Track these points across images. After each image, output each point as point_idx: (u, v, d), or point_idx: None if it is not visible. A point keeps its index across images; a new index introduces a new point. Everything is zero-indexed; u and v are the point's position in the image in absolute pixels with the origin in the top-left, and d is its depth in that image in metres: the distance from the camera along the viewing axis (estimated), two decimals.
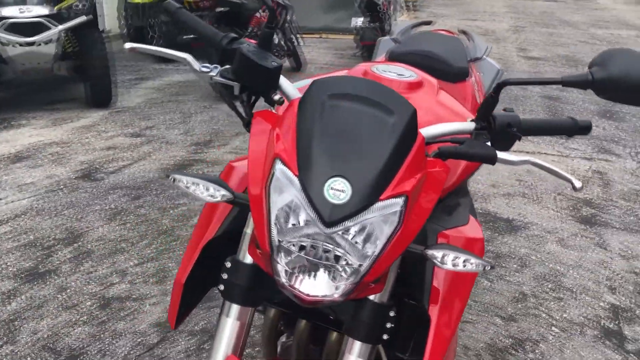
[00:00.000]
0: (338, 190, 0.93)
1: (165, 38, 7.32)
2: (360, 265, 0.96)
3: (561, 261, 2.86)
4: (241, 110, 1.19)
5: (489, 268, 1.04)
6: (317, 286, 0.98)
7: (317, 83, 1.03)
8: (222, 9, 5.49)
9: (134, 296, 2.62)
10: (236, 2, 5.61)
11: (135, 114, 5.36)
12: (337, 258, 0.95)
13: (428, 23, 2.56)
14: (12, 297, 2.58)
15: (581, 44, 8.64)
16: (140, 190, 3.71)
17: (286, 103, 1.18)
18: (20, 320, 2.43)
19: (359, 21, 8.87)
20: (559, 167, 1.13)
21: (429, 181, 1.02)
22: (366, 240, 0.95)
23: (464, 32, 2.45)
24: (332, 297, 0.98)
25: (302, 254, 0.96)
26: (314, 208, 0.93)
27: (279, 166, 0.97)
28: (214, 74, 1.15)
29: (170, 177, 1.08)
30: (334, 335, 1.36)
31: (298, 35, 6.93)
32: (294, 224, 0.95)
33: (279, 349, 1.52)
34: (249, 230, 1.15)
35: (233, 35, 1.19)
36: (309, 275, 0.98)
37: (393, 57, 1.92)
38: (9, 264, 2.84)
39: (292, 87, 1.16)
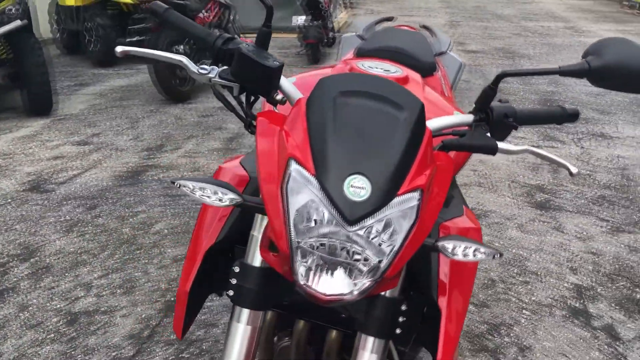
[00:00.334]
0: (358, 188, 0.92)
1: (104, 42, 7.09)
2: (380, 262, 0.95)
3: (523, 246, 2.96)
4: (239, 110, 1.16)
5: (499, 256, 1.06)
6: (336, 285, 0.97)
7: (325, 81, 1.02)
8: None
9: (102, 309, 2.53)
10: (179, 3, 5.48)
11: (79, 121, 5.17)
12: (357, 256, 0.95)
13: (390, 19, 2.58)
14: None
15: (515, 36, 8.96)
16: (95, 200, 3.58)
17: (287, 103, 1.16)
18: None
19: (300, 19, 8.88)
20: (555, 155, 1.17)
21: (439, 174, 1.04)
22: (386, 236, 0.95)
23: (425, 28, 2.49)
24: (351, 296, 0.97)
25: (321, 253, 0.95)
26: (335, 206, 0.92)
27: (294, 166, 0.95)
28: (213, 76, 1.12)
29: (175, 183, 1.04)
30: (333, 333, 1.36)
31: (241, 35, 6.86)
32: (312, 224, 0.94)
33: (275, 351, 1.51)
34: (256, 233, 1.13)
35: (228, 35, 1.16)
36: (328, 275, 0.97)
37: (362, 54, 1.93)
38: None
39: (292, 87, 1.15)
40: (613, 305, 2.49)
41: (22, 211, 3.40)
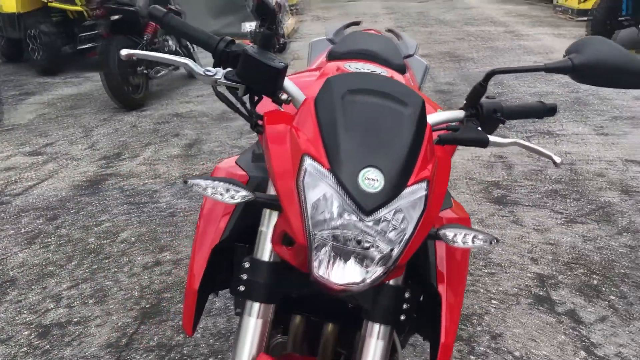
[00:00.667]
0: (372, 180, 0.98)
1: (48, 49, 6.91)
2: (391, 250, 1.01)
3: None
4: (243, 110, 1.19)
5: (496, 242, 1.14)
6: (350, 274, 1.01)
7: (332, 81, 1.07)
8: (115, 17, 5.27)
9: (75, 320, 2.48)
10: (130, 10, 5.41)
11: (29, 131, 5.02)
12: (368, 245, 1.00)
13: (357, 24, 2.65)
14: None
15: (458, 40, 9.25)
16: (55, 210, 3.50)
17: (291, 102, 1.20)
18: None
19: (250, 26, 8.90)
20: (540, 147, 1.26)
21: (439, 166, 1.10)
22: (399, 225, 1.00)
23: (391, 31, 2.58)
24: (363, 284, 1.02)
25: (336, 243, 1.00)
26: (351, 198, 0.97)
27: (309, 162, 0.99)
28: (219, 77, 1.15)
29: (188, 182, 1.07)
30: (330, 327, 1.40)
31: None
32: (328, 216, 0.99)
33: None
34: (264, 228, 1.16)
35: (229, 38, 1.19)
36: (342, 265, 1.02)
37: (335, 56, 1.98)
38: None
39: (295, 87, 1.19)
40: (574, 291, 2.63)
41: None
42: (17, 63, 7.65)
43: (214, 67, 1.20)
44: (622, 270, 2.79)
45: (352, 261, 1.02)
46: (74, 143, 4.71)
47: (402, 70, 2.05)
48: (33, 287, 2.72)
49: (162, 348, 2.30)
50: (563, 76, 5.96)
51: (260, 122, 1.18)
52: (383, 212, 0.98)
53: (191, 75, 6.92)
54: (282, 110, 1.19)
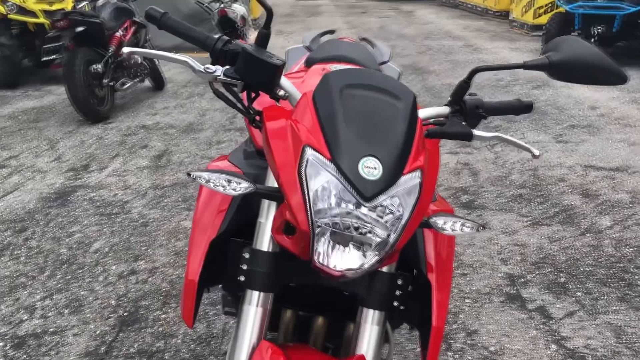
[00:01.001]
0: (371, 168, 1.03)
1: (7, 62, 6.77)
2: (388, 236, 1.06)
3: (457, 242, 3.17)
4: (240, 107, 1.23)
5: (482, 229, 1.21)
6: (349, 260, 1.06)
7: (329, 76, 1.12)
8: (80, 28, 5.22)
9: (50, 330, 2.45)
10: (94, 22, 5.37)
11: None
12: (368, 233, 1.05)
13: (332, 32, 2.72)
14: None
15: (420, 54, 9.47)
16: (23, 223, 3.44)
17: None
18: None
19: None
20: (520, 141, 1.34)
21: (430, 158, 1.16)
22: (396, 211, 1.05)
23: (365, 40, 2.66)
24: (361, 270, 1.07)
25: (337, 230, 1.04)
26: (352, 186, 1.01)
27: (310, 152, 1.04)
28: (219, 74, 1.19)
29: (191, 175, 1.10)
30: (319, 321, 1.44)
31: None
32: (328, 204, 1.04)
33: None
34: (263, 220, 1.19)
35: (226, 38, 1.24)
36: (341, 251, 1.06)
37: (313, 62, 2.03)
38: None
39: (290, 84, 1.24)
40: (542, 289, 2.74)
41: None
42: None
43: (212, 65, 1.23)
44: (586, 269, 2.91)
45: (351, 247, 1.06)
46: (39, 155, 4.63)
47: None
48: (5, 298, 2.67)
49: (142, 354, 2.29)
50: (522, 88, 6.16)
51: (257, 117, 1.22)
52: (381, 198, 1.03)
53: (157, 87, 6.90)
54: (279, 105, 1.24)
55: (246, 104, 1.23)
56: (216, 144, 4.89)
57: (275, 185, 1.17)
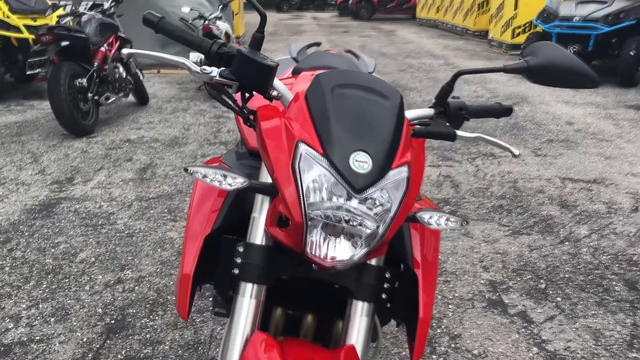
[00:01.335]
0: (361, 162, 1.08)
1: None
2: (378, 227, 1.11)
3: (440, 251, 3.23)
4: (234, 106, 1.28)
5: (466, 224, 1.27)
6: (340, 251, 1.11)
7: (321, 77, 1.18)
8: (65, 43, 5.25)
9: (37, 338, 2.44)
10: (79, 37, 5.39)
11: None
12: (358, 226, 1.10)
13: (318, 44, 2.80)
14: None
15: (401, 72, 9.62)
16: (7, 234, 3.43)
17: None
18: None
19: (195, 56, 8.97)
20: (501, 141, 1.41)
21: (416, 155, 1.22)
22: (384, 204, 1.11)
23: (350, 52, 2.73)
24: (352, 260, 1.12)
25: (329, 222, 1.09)
26: (343, 178, 1.07)
27: (303, 147, 1.09)
28: (215, 75, 1.24)
29: (189, 170, 1.14)
30: (309, 319, 1.48)
31: (141, 70, 6.84)
32: (321, 198, 1.09)
33: None
34: (256, 214, 1.24)
35: (221, 41, 1.29)
36: (332, 243, 1.11)
37: (299, 72, 2.10)
38: None
39: (283, 85, 1.29)
40: (523, 295, 2.81)
41: None
42: None
43: (208, 67, 1.29)
44: (566, 275, 2.99)
45: (342, 239, 1.11)
46: (23, 168, 4.62)
47: None
48: None
49: None
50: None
51: (251, 117, 1.27)
52: (371, 191, 1.09)
53: (141, 103, 6.92)
54: (272, 105, 1.29)
55: (240, 104, 1.29)
56: (201, 157, 4.92)
57: (268, 181, 1.22)
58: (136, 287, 2.84)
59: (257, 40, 1.26)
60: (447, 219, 1.24)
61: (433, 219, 1.24)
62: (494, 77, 8.91)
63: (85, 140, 5.43)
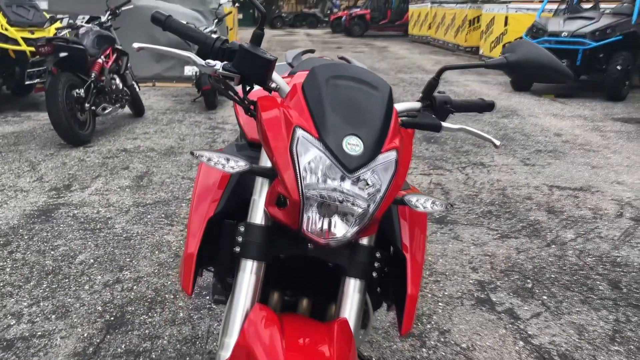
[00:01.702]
0: (353, 145, 1.19)
1: None
2: (368, 206, 1.21)
3: (430, 253, 3.33)
4: (236, 98, 1.38)
5: (451, 207, 1.37)
6: (335, 229, 1.21)
7: (317, 69, 1.29)
8: (63, 53, 5.35)
9: (38, 333, 2.51)
10: (77, 48, 5.50)
11: None
12: (351, 203, 1.20)
13: (312, 51, 2.91)
14: None
15: (393, 86, 9.78)
16: (8, 237, 3.49)
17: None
18: None
19: (192, 69, 9.11)
20: (481, 131, 1.51)
21: (404, 144, 1.33)
22: (374, 184, 1.21)
23: (343, 58, 2.85)
24: (345, 237, 1.22)
25: (324, 201, 1.19)
26: (337, 159, 1.17)
27: (300, 132, 1.20)
28: (218, 68, 1.34)
29: (195, 154, 1.24)
30: (304, 302, 1.56)
31: (137, 82, 6.95)
32: (316, 178, 1.19)
33: None
34: (256, 197, 1.33)
35: (224, 37, 1.39)
36: (327, 221, 1.21)
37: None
38: None
39: (281, 79, 1.40)
40: (511, 294, 2.90)
41: None
42: None
43: (212, 61, 1.39)
44: (552, 275, 3.09)
45: (335, 217, 1.21)
46: (21, 176, 4.69)
47: None
48: None
49: (130, 354, 2.36)
50: (491, 116, 6.43)
51: (252, 107, 1.37)
52: (362, 171, 1.19)
53: (137, 114, 7.01)
54: (271, 96, 1.39)
55: (242, 95, 1.39)
56: (196, 166, 5.01)
57: (268, 165, 1.32)
58: (134, 287, 2.91)
59: (258, 36, 1.37)
60: (433, 202, 1.33)
61: (420, 202, 1.33)
62: (484, 92, 9.08)
63: (82, 149, 5.51)
